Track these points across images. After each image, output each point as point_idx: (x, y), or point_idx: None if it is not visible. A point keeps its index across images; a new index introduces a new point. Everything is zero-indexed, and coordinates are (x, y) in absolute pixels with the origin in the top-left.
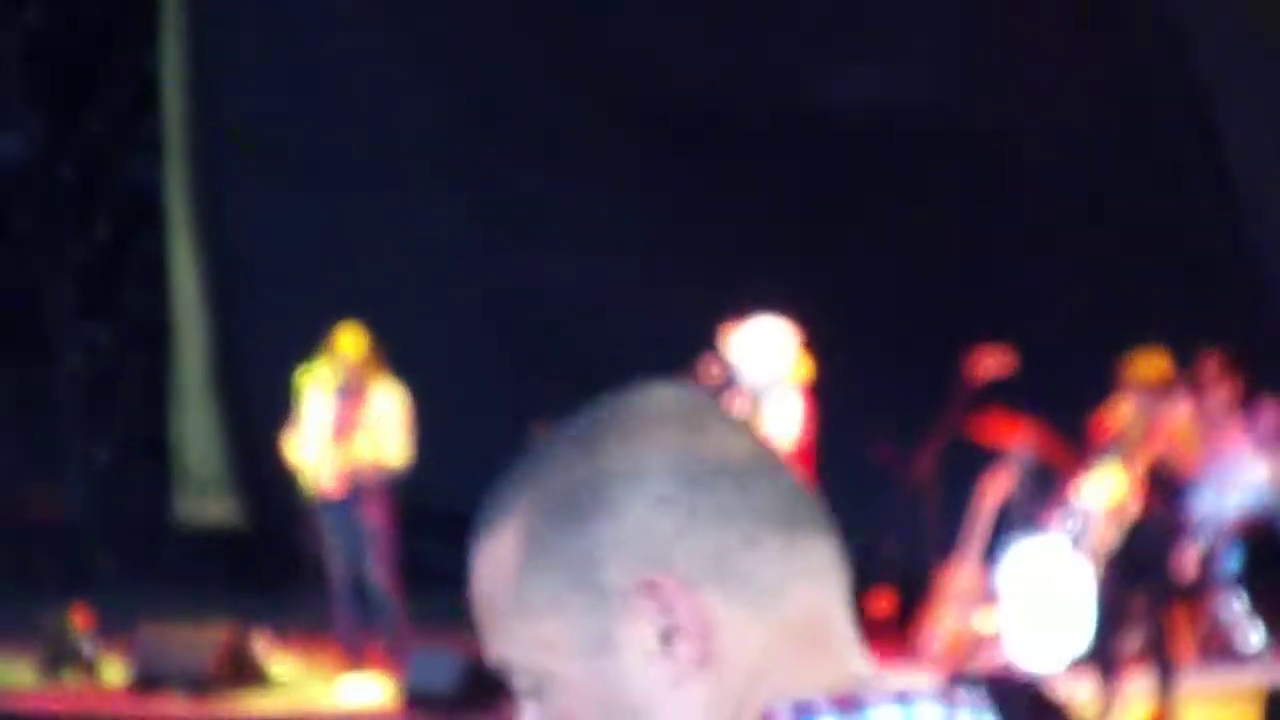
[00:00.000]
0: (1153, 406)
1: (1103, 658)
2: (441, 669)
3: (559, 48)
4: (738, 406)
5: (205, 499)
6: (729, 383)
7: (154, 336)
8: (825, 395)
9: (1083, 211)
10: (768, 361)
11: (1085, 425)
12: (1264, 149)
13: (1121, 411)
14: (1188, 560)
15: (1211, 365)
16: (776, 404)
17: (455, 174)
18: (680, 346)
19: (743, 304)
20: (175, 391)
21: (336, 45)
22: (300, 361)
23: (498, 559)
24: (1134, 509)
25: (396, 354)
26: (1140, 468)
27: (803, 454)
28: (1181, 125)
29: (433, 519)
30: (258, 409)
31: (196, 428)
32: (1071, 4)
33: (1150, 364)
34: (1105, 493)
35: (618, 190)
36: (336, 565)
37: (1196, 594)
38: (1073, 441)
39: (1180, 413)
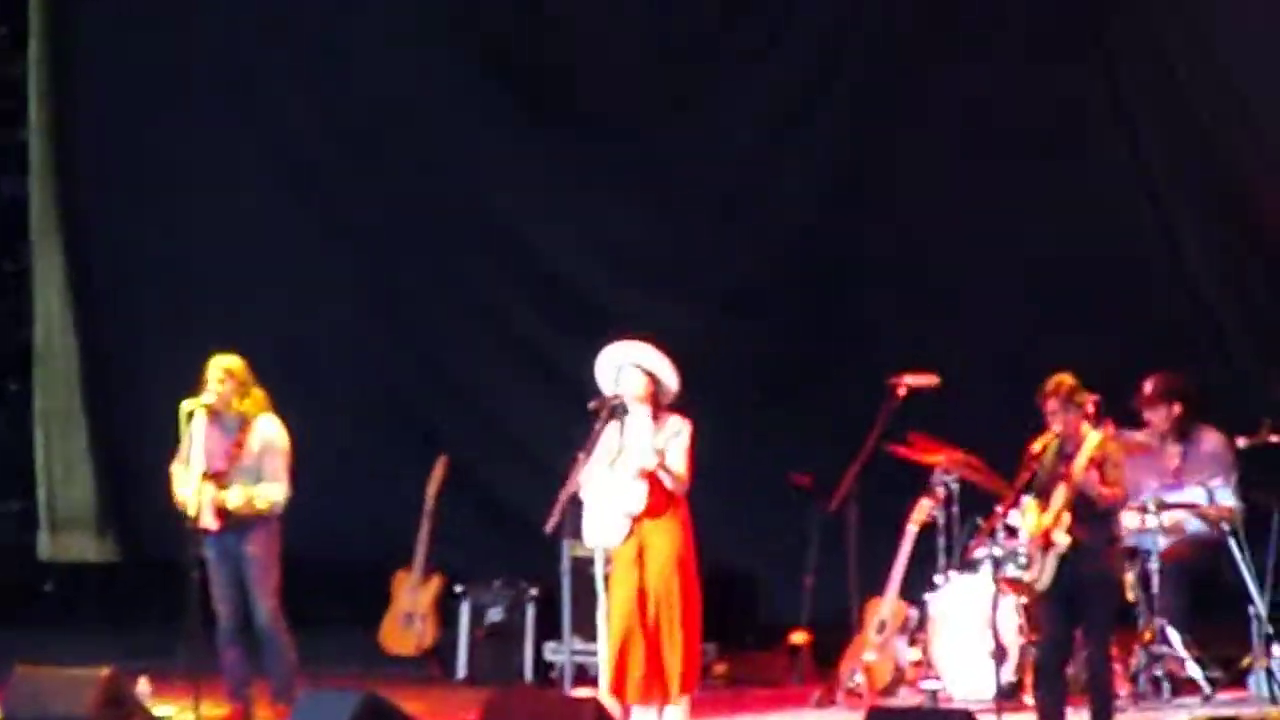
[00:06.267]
0: (1072, 433)
1: (1040, 691)
2: (330, 711)
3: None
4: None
5: (74, 534)
6: (622, 411)
7: (20, 362)
8: (742, 422)
9: (1015, 236)
10: (629, 383)
11: (1013, 454)
12: (1192, 171)
13: (1044, 439)
14: (1124, 590)
15: (1148, 391)
16: (661, 431)
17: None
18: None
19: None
20: (42, 421)
21: (209, 53)
22: (174, 392)
23: None
24: (1064, 537)
25: (272, 388)
26: (1065, 495)
27: (689, 475)
28: (1116, 145)
29: (312, 565)
30: (129, 441)
31: (64, 459)
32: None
33: (1063, 388)
34: (1031, 521)
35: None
36: (220, 601)
37: (1134, 624)
38: (1000, 470)
39: (1102, 438)
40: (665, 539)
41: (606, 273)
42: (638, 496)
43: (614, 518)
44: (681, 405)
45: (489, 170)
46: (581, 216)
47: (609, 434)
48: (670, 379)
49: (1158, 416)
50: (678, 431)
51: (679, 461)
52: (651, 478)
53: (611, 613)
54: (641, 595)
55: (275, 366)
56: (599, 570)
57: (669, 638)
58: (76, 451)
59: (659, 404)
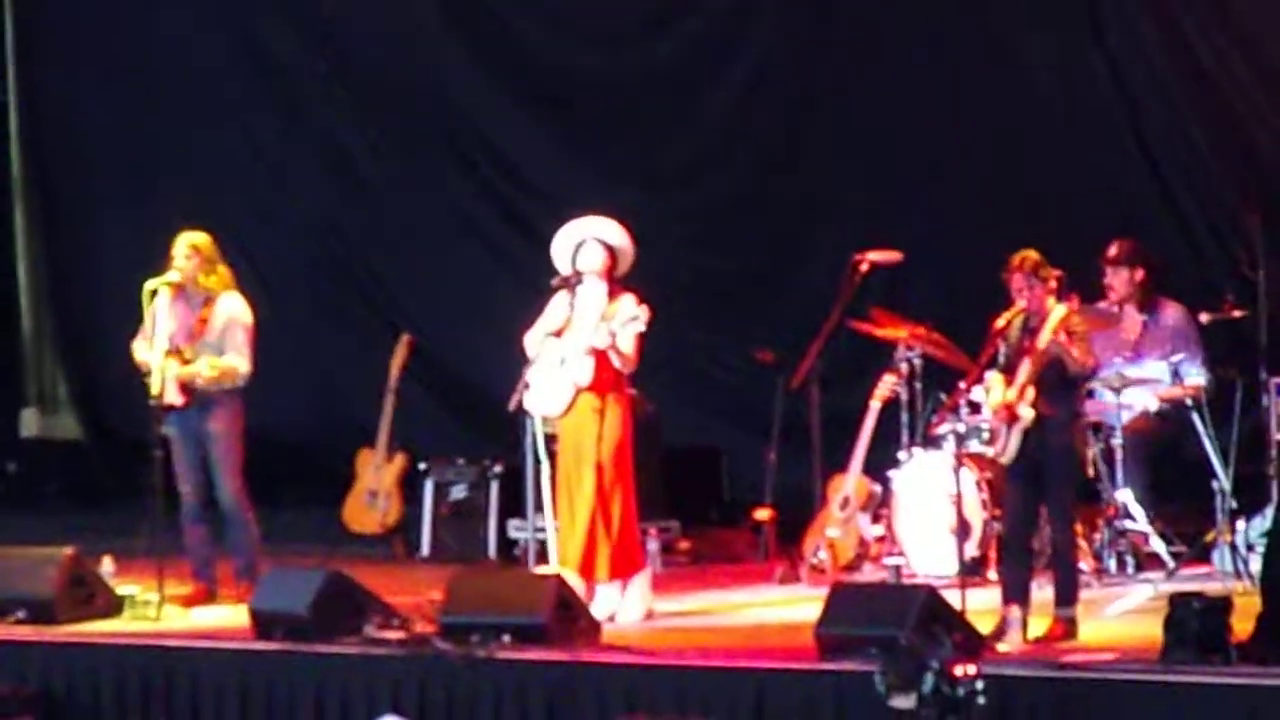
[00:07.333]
0: (1037, 308)
1: (1004, 566)
2: (294, 590)
3: None
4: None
5: (46, 413)
6: (578, 282)
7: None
8: (703, 298)
9: (980, 111)
10: (589, 258)
11: (977, 330)
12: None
13: (1009, 314)
14: (1086, 463)
15: (1112, 253)
16: (615, 306)
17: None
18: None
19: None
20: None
21: None
22: (135, 270)
23: None
24: (1029, 411)
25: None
26: (1031, 369)
27: (637, 358)
28: (1080, 22)
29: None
30: (91, 320)
31: (34, 339)
32: None
33: (1028, 263)
34: (996, 396)
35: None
36: (184, 480)
37: (1097, 499)
38: (964, 346)
39: (1067, 311)
40: (615, 417)
41: (561, 157)
42: (585, 369)
43: (559, 386)
44: (640, 283)
45: (446, 60)
46: (532, 103)
47: (558, 302)
48: (628, 253)
49: (1120, 280)
50: (635, 316)
51: (629, 344)
52: (601, 355)
53: (575, 490)
54: (599, 471)
55: (238, 247)
56: (539, 435)
57: (624, 513)
58: (46, 332)
59: (614, 279)
